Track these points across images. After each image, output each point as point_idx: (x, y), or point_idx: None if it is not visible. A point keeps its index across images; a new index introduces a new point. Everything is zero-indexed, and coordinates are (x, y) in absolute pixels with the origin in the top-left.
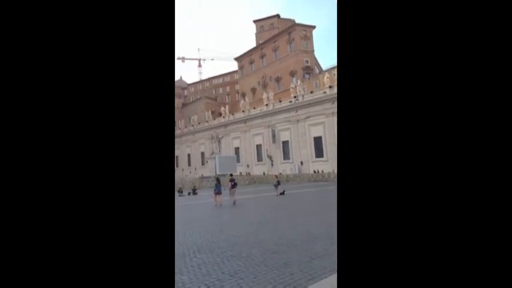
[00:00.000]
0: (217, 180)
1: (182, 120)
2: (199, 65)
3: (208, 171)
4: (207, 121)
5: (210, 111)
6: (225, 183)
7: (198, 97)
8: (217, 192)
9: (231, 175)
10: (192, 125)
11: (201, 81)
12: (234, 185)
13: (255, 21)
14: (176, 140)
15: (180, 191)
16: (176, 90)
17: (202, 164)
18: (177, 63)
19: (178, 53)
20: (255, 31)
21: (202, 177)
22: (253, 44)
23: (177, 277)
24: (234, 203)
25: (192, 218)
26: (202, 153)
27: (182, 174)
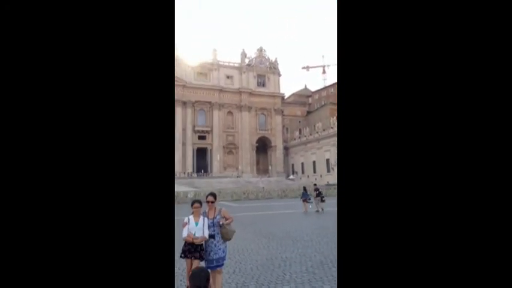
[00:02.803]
0: (304, 188)
1: (307, 128)
2: (324, 72)
3: (334, 178)
4: (331, 127)
5: (334, 117)
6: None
7: (322, 104)
8: (305, 199)
9: (315, 184)
10: (317, 132)
11: (326, 88)
12: (318, 194)
13: None
14: (301, 147)
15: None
16: (300, 99)
17: (328, 171)
18: (302, 73)
19: (303, 62)
20: None
21: (329, 185)
22: None
23: (318, 284)
24: (321, 210)
25: (321, 224)
26: (327, 160)
27: (308, 181)
